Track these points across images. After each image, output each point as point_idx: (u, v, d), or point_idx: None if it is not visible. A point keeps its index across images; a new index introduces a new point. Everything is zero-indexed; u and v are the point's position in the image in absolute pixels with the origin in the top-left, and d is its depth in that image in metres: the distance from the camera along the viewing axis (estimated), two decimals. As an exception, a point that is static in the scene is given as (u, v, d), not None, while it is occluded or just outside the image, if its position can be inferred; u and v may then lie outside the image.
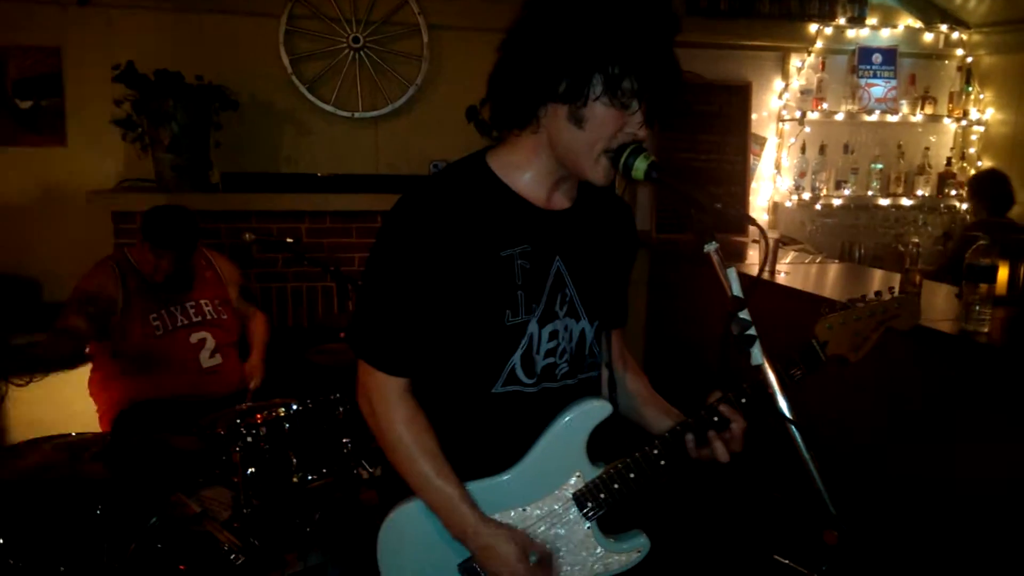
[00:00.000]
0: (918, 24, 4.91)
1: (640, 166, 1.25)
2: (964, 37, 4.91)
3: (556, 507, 1.40)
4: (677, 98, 1.28)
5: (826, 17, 4.70)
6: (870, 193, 4.88)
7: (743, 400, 1.32)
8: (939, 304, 2.84)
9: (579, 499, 1.40)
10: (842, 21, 4.74)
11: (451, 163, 1.41)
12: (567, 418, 1.39)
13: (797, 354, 1.35)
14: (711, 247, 1.21)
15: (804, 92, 4.73)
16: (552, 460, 1.40)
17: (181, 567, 2.23)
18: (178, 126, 3.63)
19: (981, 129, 4.96)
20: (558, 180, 1.37)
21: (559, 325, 1.38)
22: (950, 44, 4.93)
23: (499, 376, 1.35)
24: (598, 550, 1.43)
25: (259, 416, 2.48)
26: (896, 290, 1.41)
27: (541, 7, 1.26)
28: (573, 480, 1.40)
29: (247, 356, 3.23)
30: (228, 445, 2.46)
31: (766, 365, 1.17)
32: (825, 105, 4.73)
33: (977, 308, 2.37)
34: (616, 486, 1.39)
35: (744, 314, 1.17)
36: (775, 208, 4.81)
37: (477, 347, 1.35)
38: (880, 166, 4.91)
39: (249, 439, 2.39)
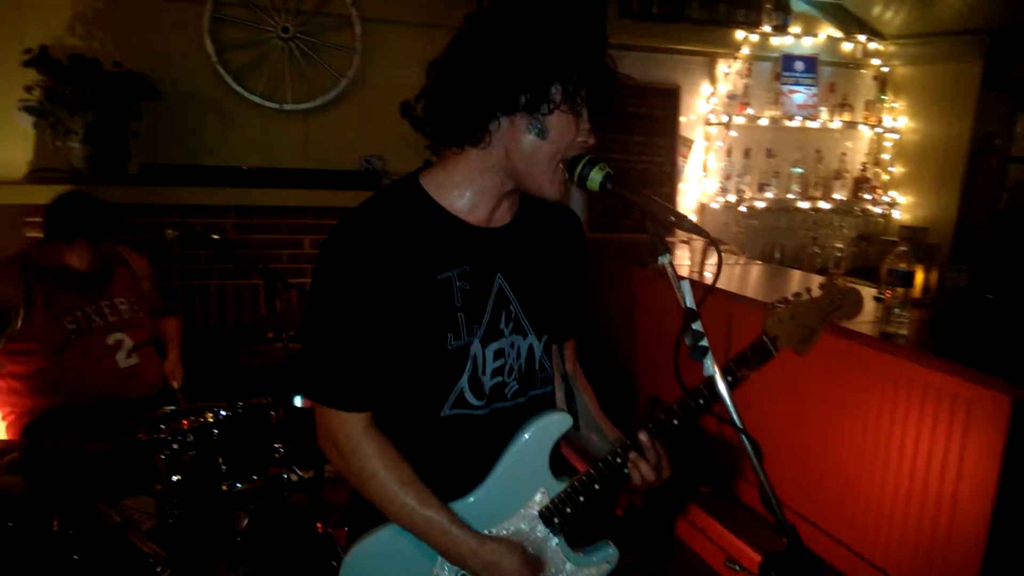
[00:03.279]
0: (838, 34, 5.10)
1: (596, 177, 1.26)
2: (880, 48, 5.13)
3: (523, 526, 1.38)
4: (615, 101, 1.30)
5: (752, 24, 4.83)
6: (791, 196, 5.06)
7: (675, 422, 1.34)
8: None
9: (545, 516, 1.39)
10: (767, 29, 4.88)
11: (383, 188, 1.37)
12: (527, 435, 1.38)
13: (749, 351, 1.38)
14: (665, 259, 1.22)
15: (731, 97, 4.85)
16: (516, 479, 1.38)
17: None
18: (94, 115, 3.45)
19: (895, 136, 5.20)
20: (502, 196, 1.34)
21: (505, 343, 1.36)
22: (867, 54, 5.14)
23: (446, 400, 1.33)
24: (568, 565, 1.42)
25: (185, 422, 2.38)
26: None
27: (487, 25, 1.24)
28: (538, 497, 1.39)
29: (162, 357, 3.11)
30: (151, 452, 2.36)
31: (718, 376, 1.19)
32: (750, 110, 4.86)
33: (896, 311, 2.48)
34: (581, 499, 1.38)
35: (697, 326, 1.18)
36: (702, 209, 4.93)
37: (422, 373, 1.32)
38: (800, 170, 5.08)
39: (175, 446, 2.29)
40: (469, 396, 1.34)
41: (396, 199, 1.33)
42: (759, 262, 4.50)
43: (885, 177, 5.27)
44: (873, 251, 5.02)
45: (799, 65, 4.99)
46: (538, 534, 1.38)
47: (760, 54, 4.92)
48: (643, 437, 1.34)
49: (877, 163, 5.28)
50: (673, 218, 1.21)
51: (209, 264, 3.77)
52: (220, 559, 2.30)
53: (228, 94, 3.94)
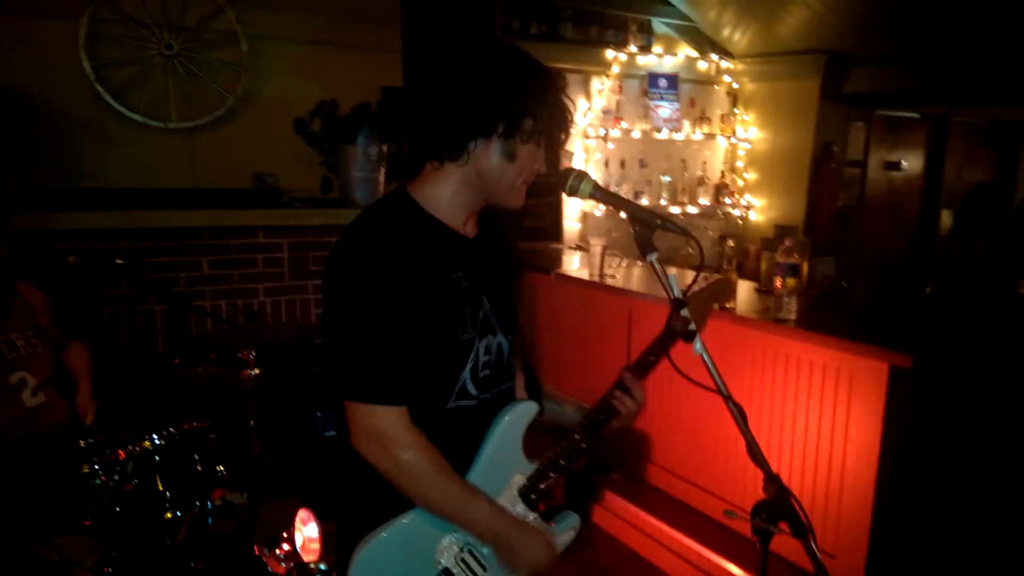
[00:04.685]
0: (695, 53, 5.58)
1: (585, 189, 1.47)
2: (731, 66, 5.66)
3: (507, 506, 1.52)
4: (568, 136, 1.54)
5: (620, 44, 5.20)
6: (662, 202, 5.46)
7: (651, 359, 1.51)
8: (748, 297, 3.32)
9: (524, 494, 1.54)
10: (633, 48, 5.27)
11: (374, 203, 1.52)
12: (503, 424, 1.52)
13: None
14: (652, 257, 1.39)
15: (605, 112, 5.19)
16: (497, 465, 1.52)
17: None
18: (-33, 137, 3.21)
19: (747, 146, 5.74)
20: (472, 211, 1.52)
21: (490, 340, 1.53)
22: (720, 72, 5.66)
23: (452, 392, 1.47)
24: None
25: (122, 452, 2.30)
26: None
27: (478, 60, 1.44)
28: (516, 478, 1.54)
29: (70, 391, 2.95)
30: (78, 488, 2.27)
31: (704, 353, 1.37)
32: (624, 124, 5.22)
33: (786, 300, 2.82)
34: (552, 474, 1.55)
35: (685, 312, 1.36)
36: (585, 217, 5.23)
37: (436, 365, 1.45)
38: (668, 178, 5.50)
39: (116, 477, 2.22)
40: (470, 387, 1.48)
41: (395, 211, 1.47)
42: (639, 263, 4.83)
43: (740, 183, 5.80)
44: (731, 251, 5.52)
45: (663, 82, 5.41)
46: (519, 511, 1.53)
47: (629, 72, 5.30)
48: (628, 376, 1.51)
49: (733, 170, 5.80)
50: (659, 221, 1.39)
51: (100, 291, 3.59)
52: (172, 587, 2.24)
53: (109, 113, 3.78)
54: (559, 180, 1.47)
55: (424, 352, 1.41)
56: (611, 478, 3.64)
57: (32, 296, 2.95)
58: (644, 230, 1.41)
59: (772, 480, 1.31)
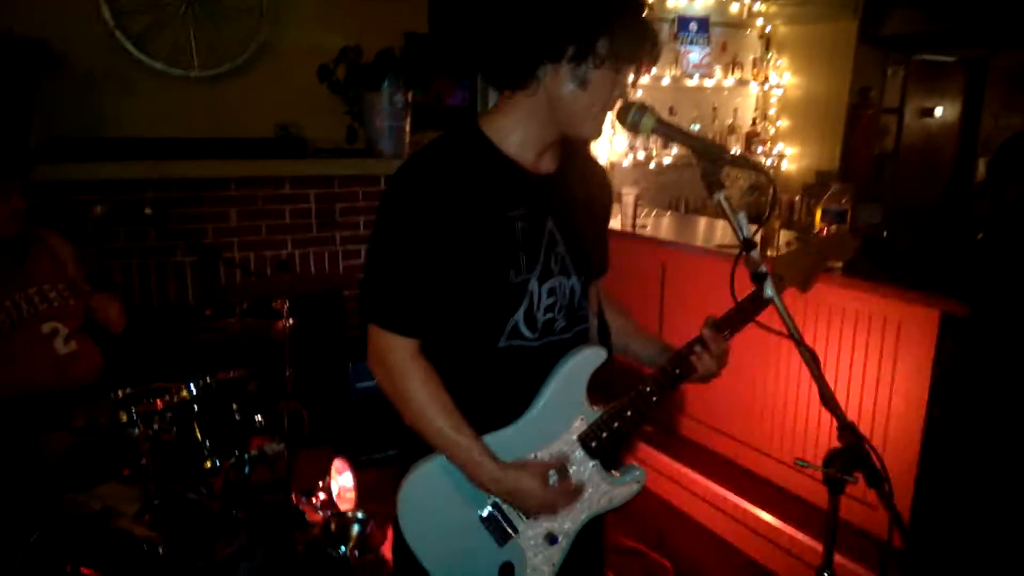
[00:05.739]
0: (726, -5, 5.38)
1: (647, 123, 1.37)
2: (763, 8, 5.45)
3: (565, 450, 1.48)
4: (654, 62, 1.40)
5: (650, -14, 5.02)
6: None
7: (740, 316, 1.45)
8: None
9: (584, 440, 1.49)
10: (663, -10, 5.08)
11: (444, 133, 1.44)
12: (566, 367, 1.47)
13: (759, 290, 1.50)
14: (720, 195, 1.32)
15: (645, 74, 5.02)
16: (557, 407, 1.47)
17: (85, 571, 2.03)
18: (-9, 86, 3.15)
19: (780, 92, 5.57)
20: (548, 145, 1.42)
21: (555, 283, 1.46)
22: (752, 14, 5.46)
23: (503, 332, 1.41)
24: (603, 485, 1.53)
25: (160, 402, 2.29)
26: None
27: None
28: (577, 423, 1.49)
29: (102, 341, 2.92)
30: (115, 437, 2.26)
31: (776, 298, 1.31)
32: (653, 70, 5.05)
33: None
34: (616, 424, 1.49)
35: (755, 253, 1.29)
36: (612, 168, 5.11)
37: (482, 305, 1.40)
38: (698, 126, 5.35)
39: (156, 426, 2.20)
40: (524, 329, 1.42)
41: (459, 142, 1.40)
42: (668, 213, 4.75)
43: (772, 131, 5.64)
44: (764, 200, 5.41)
45: (693, 26, 5.22)
46: (578, 456, 1.50)
47: (658, 15, 5.10)
48: (707, 332, 1.45)
49: (765, 117, 5.64)
50: (728, 156, 1.31)
51: (129, 243, 3.55)
52: (213, 536, 2.24)
53: (129, 62, 3.68)
54: (619, 115, 1.37)
55: (462, 290, 1.37)
56: (644, 430, 3.61)
57: (61, 247, 2.92)
58: (711, 166, 1.33)
59: (847, 428, 1.26)
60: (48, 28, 3.42)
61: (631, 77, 1.38)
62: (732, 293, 1.31)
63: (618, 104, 1.36)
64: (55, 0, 3.50)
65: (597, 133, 1.39)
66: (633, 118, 1.35)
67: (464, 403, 1.41)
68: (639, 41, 1.32)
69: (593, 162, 1.62)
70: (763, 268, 1.29)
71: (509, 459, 1.42)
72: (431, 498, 1.44)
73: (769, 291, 1.30)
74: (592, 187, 1.57)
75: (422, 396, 1.38)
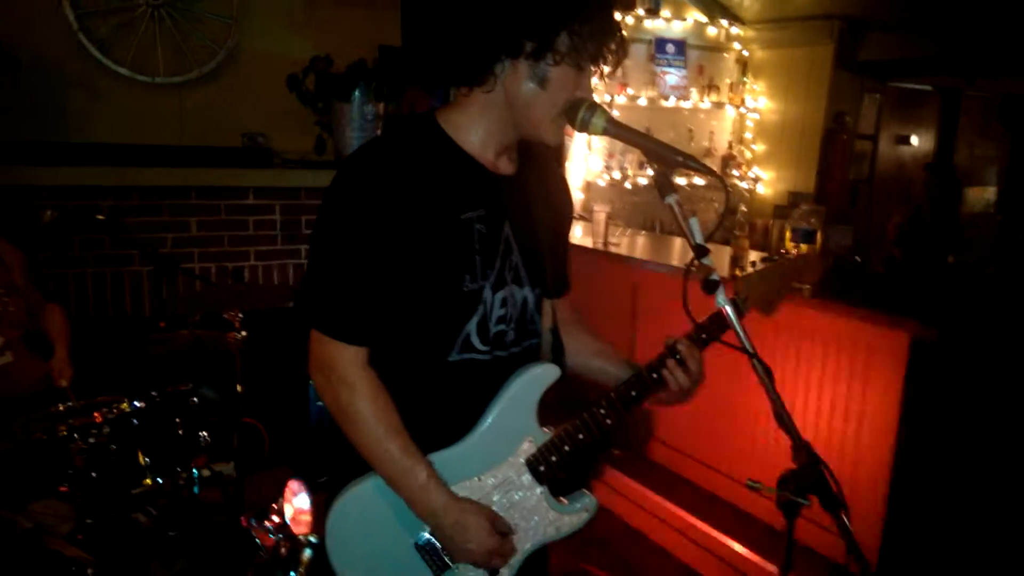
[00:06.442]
0: (704, 19, 5.39)
1: (597, 123, 1.27)
2: (741, 32, 5.48)
3: (511, 474, 1.38)
4: (619, 60, 1.30)
5: (627, 7, 5.01)
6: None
7: (703, 336, 1.37)
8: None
9: (531, 464, 1.39)
10: (641, 12, 5.08)
11: (398, 124, 1.34)
12: (516, 385, 1.38)
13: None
14: (672, 199, 1.25)
15: (610, 77, 4.99)
16: (504, 427, 1.37)
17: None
18: (-60, 85, 3.05)
19: (756, 116, 5.57)
20: (506, 145, 1.34)
21: (507, 292, 1.36)
22: (729, 38, 5.48)
23: (454, 344, 1.31)
24: (550, 514, 1.43)
25: (98, 415, 2.17)
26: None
27: None
28: (525, 446, 1.39)
29: (46, 353, 2.81)
30: (57, 450, 2.15)
31: (728, 307, 1.24)
32: (630, 90, 5.05)
33: (801, 267, 2.67)
34: (566, 448, 1.39)
35: (707, 260, 1.22)
36: (588, 187, 5.06)
37: (434, 314, 1.30)
38: (674, 148, 5.32)
39: (91, 440, 2.09)
40: (475, 341, 1.33)
41: (416, 134, 1.30)
42: (643, 233, 4.71)
43: (748, 154, 5.63)
44: (743, 217, 5.39)
45: (670, 48, 5.22)
46: (524, 482, 1.39)
47: (635, 36, 5.11)
48: (682, 347, 1.35)
49: (741, 141, 5.63)
50: (680, 158, 1.25)
51: (84, 251, 3.44)
52: (149, 557, 2.12)
53: (93, 66, 3.61)
54: (567, 113, 1.26)
55: (413, 295, 1.27)
56: (612, 454, 3.52)
57: (7, 253, 2.81)
58: (663, 168, 1.26)
59: (801, 447, 1.18)
60: (9, 28, 3.34)
61: (594, 77, 1.29)
62: (685, 303, 1.23)
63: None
64: (19, 1, 3.41)
65: (558, 138, 1.30)
66: (583, 116, 1.26)
67: (408, 419, 1.30)
68: (602, 37, 1.23)
69: (554, 168, 1.52)
70: (715, 275, 1.22)
71: (450, 480, 1.32)
72: (363, 522, 1.33)
73: (720, 299, 1.23)
74: (552, 194, 1.47)
75: (369, 412, 1.27)
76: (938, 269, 3.08)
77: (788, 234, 2.71)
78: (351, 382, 1.26)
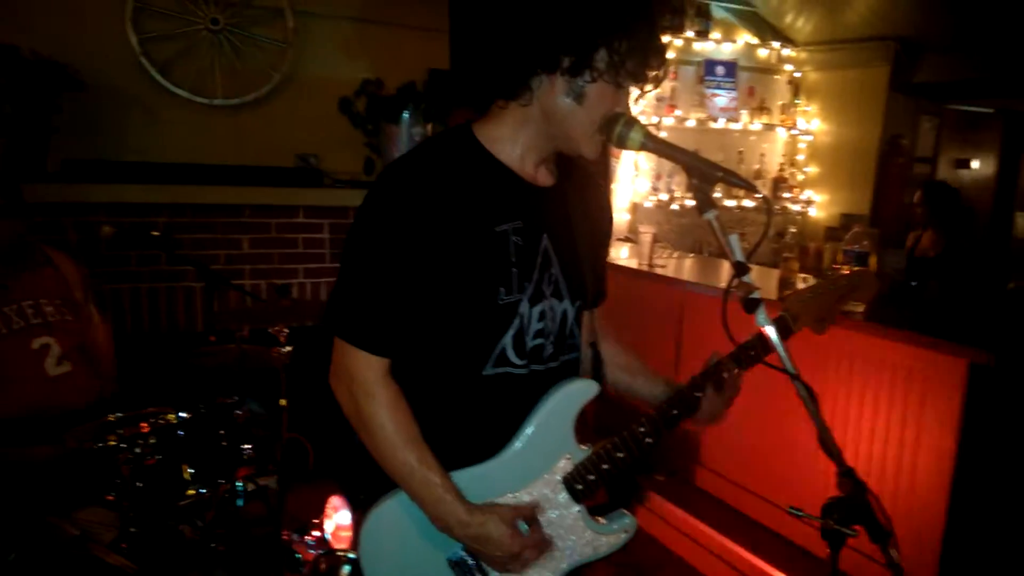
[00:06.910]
0: (755, 40, 5.34)
1: (635, 137, 1.24)
2: (793, 54, 5.40)
3: (547, 491, 1.36)
4: (660, 80, 1.28)
5: (677, 29, 4.99)
6: (717, 195, 5.18)
7: (751, 353, 1.35)
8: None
9: (568, 483, 1.37)
10: (690, 33, 5.06)
11: (433, 135, 1.35)
12: (553, 400, 1.35)
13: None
14: (711, 214, 1.22)
15: (659, 99, 4.98)
16: (541, 444, 1.35)
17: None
18: (11, 106, 3.19)
19: (809, 138, 5.47)
20: (544, 157, 1.33)
21: (546, 305, 1.34)
22: (781, 60, 5.41)
23: (489, 357, 1.30)
24: (587, 533, 1.40)
25: (145, 425, 2.22)
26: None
27: None
28: (562, 463, 1.37)
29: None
30: (105, 459, 2.19)
31: (769, 327, 1.20)
32: (678, 112, 5.01)
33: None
34: (605, 467, 1.36)
35: (747, 278, 1.19)
36: (635, 208, 5.03)
37: (468, 327, 1.28)
38: (724, 171, 5.26)
39: (138, 450, 2.13)
40: (511, 354, 1.31)
41: (451, 146, 1.30)
42: (692, 255, 4.64)
43: (800, 177, 5.53)
44: (792, 238, 5.28)
45: (720, 70, 5.18)
46: (560, 500, 1.37)
47: (685, 58, 5.08)
48: (727, 374, 1.35)
49: (793, 163, 5.53)
50: (720, 173, 1.22)
51: (140, 266, 3.54)
52: (190, 567, 2.15)
53: (154, 88, 3.75)
54: (604, 127, 1.24)
55: (446, 308, 1.26)
56: (656, 479, 3.45)
57: (67, 267, 2.89)
58: (703, 183, 1.23)
59: (846, 475, 1.13)
60: (75, 52, 3.49)
61: (635, 93, 1.27)
62: (724, 322, 1.20)
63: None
64: (82, 24, 3.57)
65: (595, 153, 1.29)
66: (620, 131, 1.23)
67: (443, 434, 1.30)
68: (642, 55, 1.20)
69: (594, 180, 1.50)
70: (756, 293, 1.18)
71: (483, 498, 1.30)
72: (394, 538, 1.32)
73: (761, 318, 1.19)
74: (592, 207, 1.45)
75: (388, 423, 1.26)
76: (996, 294, 2.96)
77: (840, 256, 2.64)
78: (372, 392, 1.26)
